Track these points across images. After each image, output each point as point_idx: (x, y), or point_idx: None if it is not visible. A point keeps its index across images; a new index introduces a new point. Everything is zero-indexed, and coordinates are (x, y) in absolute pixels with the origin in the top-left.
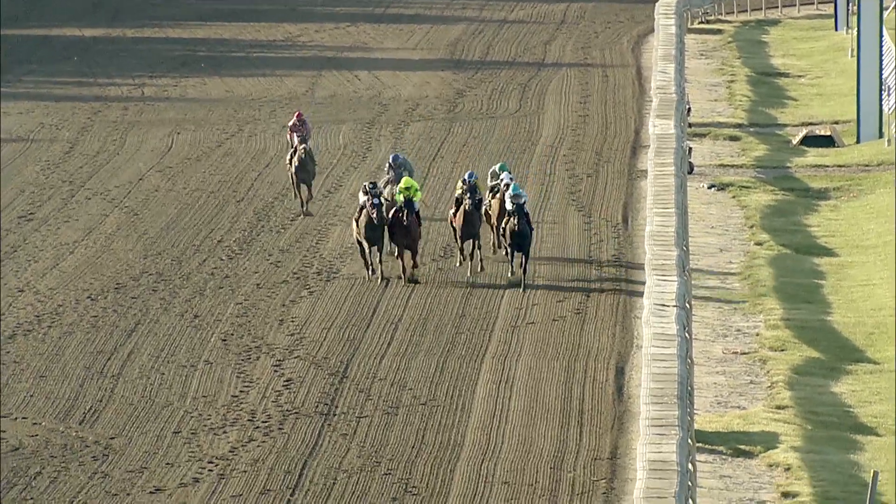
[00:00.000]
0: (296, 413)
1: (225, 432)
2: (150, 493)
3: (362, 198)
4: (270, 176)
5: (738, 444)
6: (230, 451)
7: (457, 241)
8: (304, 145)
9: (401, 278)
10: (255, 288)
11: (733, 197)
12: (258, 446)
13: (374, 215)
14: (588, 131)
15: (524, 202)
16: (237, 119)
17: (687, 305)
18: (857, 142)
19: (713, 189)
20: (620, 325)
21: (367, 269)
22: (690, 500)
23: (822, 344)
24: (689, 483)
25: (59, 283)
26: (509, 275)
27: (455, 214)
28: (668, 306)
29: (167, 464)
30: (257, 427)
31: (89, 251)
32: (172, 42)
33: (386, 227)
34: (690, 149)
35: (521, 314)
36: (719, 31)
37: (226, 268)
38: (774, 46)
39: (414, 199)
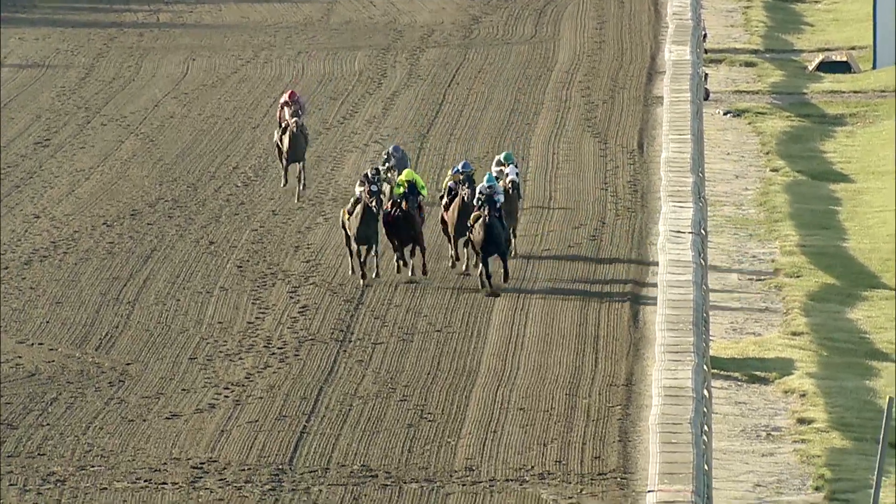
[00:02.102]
0: (311, 339)
1: (241, 358)
2: (166, 418)
3: (359, 189)
4: None
5: (753, 371)
6: (246, 378)
7: (449, 241)
8: (295, 119)
9: (410, 281)
10: (271, 214)
11: (749, 123)
12: (274, 372)
13: (373, 203)
14: (604, 57)
15: (497, 196)
16: (252, 45)
17: (703, 232)
18: (874, 67)
19: (729, 115)
20: (636, 252)
21: (358, 272)
22: (705, 427)
23: (837, 270)
24: (705, 409)
25: (74, 210)
26: (482, 287)
27: (447, 208)
28: (683, 233)
29: (183, 390)
30: (273, 353)
31: (105, 177)
32: None
33: (382, 222)
34: (706, 75)
35: (536, 241)
36: None
37: (241, 194)
38: None
39: (422, 192)
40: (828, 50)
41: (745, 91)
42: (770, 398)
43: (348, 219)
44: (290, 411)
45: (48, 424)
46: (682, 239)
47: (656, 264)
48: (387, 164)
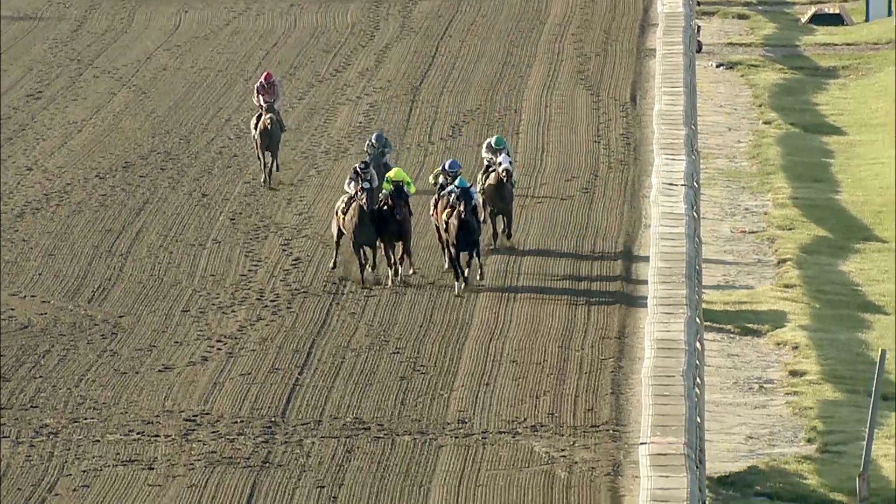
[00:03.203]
0: (304, 292)
1: (233, 311)
2: (159, 371)
3: (350, 186)
4: (278, 55)
5: (745, 323)
6: (239, 330)
7: (443, 250)
8: (270, 115)
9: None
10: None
11: (742, 76)
12: (266, 325)
13: (365, 202)
14: (597, 10)
15: (472, 189)
16: None
17: (695, 184)
18: (866, 20)
19: (721, 68)
20: (629, 205)
21: (361, 273)
22: (698, 379)
23: (829, 222)
24: (697, 362)
25: (67, 162)
26: (458, 287)
27: (436, 207)
28: (676, 185)
29: (176, 342)
30: (265, 306)
31: (97, 130)
32: None
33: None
34: (699, 27)
35: (529, 193)
36: None
37: (234, 147)
38: None
39: (409, 190)
40: (820, 2)
41: (737, 43)
42: (762, 351)
43: (343, 219)
44: (282, 364)
45: (41, 377)
46: (675, 191)
47: (649, 217)
48: (368, 154)
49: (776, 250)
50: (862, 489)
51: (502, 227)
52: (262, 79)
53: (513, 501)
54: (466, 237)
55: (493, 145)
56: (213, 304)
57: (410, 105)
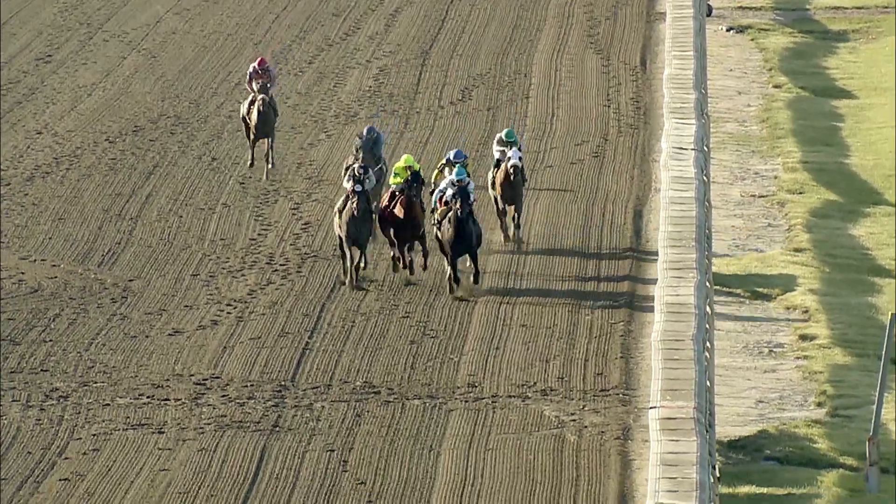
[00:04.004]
0: (314, 256)
1: (243, 275)
2: (169, 335)
3: (347, 184)
4: (288, 19)
5: (755, 287)
6: (248, 294)
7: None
8: (262, 95)
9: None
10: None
11: (752, 39)
12: (276, 289)
13: (356, 206)
14: None
15: (469, 186)
16: None
17: (705, 148)
18: None
19: (732, 32)
20: (639, 169)
21: (349, 276)
22: (708, 343)
23: (840, 186)
24: (707, 326)
25: (77, 126)
26: (450, 291)
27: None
28: (686, 149)
29: (186, 306)
30: (275, 270)
31: (107, 94)
32: None
33: (378, 217)
34: None
35: (539, 158)
36: None
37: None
38: None
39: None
40: None
41: (747, 7)
42: (772, 314)
43: (339, 217)
44: (292, 328)
45: (51, 340)
46: (685, 155)
47: (659, 181)
48: (356, 148)
49: (786, 214)
50: (872, 453)
51: (513, 218)
52: (254, 64)
53: (522, 465)
54: (463, 239)
55: (503, 139)
56: (223, 268)
57: (420, 69)
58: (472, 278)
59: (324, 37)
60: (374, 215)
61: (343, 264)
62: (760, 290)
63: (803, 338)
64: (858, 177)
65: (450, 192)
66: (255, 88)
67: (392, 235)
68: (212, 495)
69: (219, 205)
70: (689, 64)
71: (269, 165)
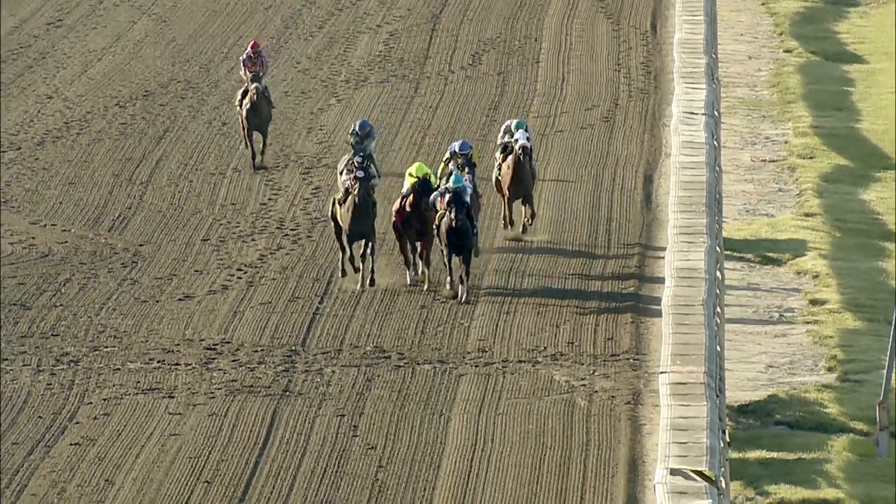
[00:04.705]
0: (324, 220)
1: (253, 240)
2: (179, 300)
3: (346, 177)
4: None
5: (766, 252)
6: (259, 259)
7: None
8: (256, 84)
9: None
10: (284, 96)
11: (762, 4)
12: (287, 254)
13: (357, 192)
14: None
15: (463, 190)
16: None
17: (716, 113)
18: None
19: None
20: (649, 133)
21: (344, 269)
22: (718, 308)
23: (850, 151)
24: (717, 291)
25: (87, 90)
26: (447, 287)
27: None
28: (696, 114)
29: (196, 271)
30: (286, 235)
31: (117, 58)
32: None
33: (394, 215)
34: None
35: (549, 122)
36: None
37: None
38: None
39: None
40: None
41: None
42: (783, 279)
43: (339, 210)
44: (302, 293)
45: (61, 305)
46: (695, 120)
47: (669, 145)
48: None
49: (797, 179)
50: (882, 418)
51: (523, 216)
52: (248, 49)
53: (533, 430)
54: (458, 242)
55: (511, 129)
56: (234, 233)
57: (430, 34)
58: (464, 287)
59: (334, 1)
60: (375, 208)
61: (342, 257)
62: (771, 254)
63: (813, 302)
64: (869, 141)
65: (447, 196)
66: (249, 77)
67: (400, 235)
68: (222, 460)
69: (229, 169)
70: (700, 28)
71: (260, 157)
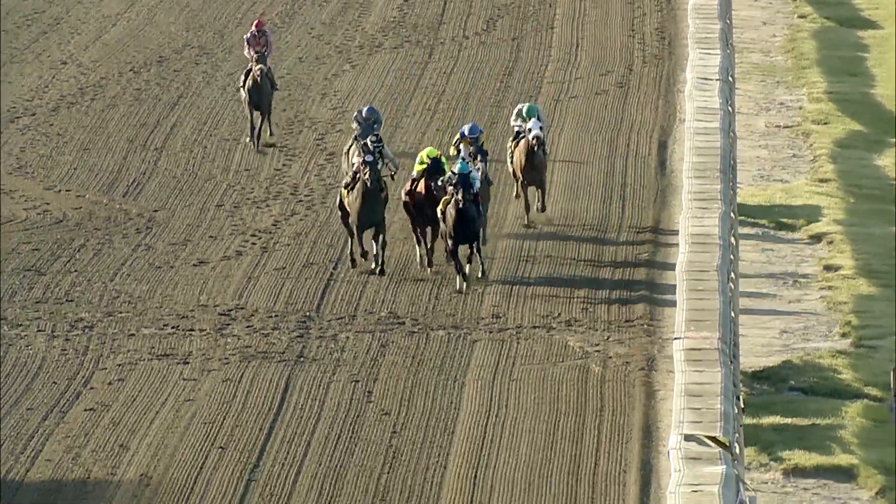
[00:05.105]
0: (338, 186)
1: (268, 206)
2: (194, 265)
3: (356, 159)
4: None
5: (780, 218)
6: (273, 225)
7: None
8: (260, 66)
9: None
10: (298, 62)
11: None
12: (301, 220)
13: (368, 176)
14: None
15: (472, 176)
16: None
17: (730, 79)
18: None
19: None
20: (663, 99)
21: (354, 259)
22: (732, 274)
23: (865, 117)
24: (732, 256)
25: (101, 56)
26: (458, 283)
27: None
28: (711, 79)
29: (210, 237)
30: (300, 200)
31: (132, 24)
32: None
33: (403, 199)
34: None
35: (563, 88)
36: None
37: None
38: None
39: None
40: None
41: None
42: (797, 245)
43: (347, 196)
44: (316, 258)
45: (76, 271)
46: (710, 86)
47: (683, 111)
48: (358, 125)
49: (811, 145)
50: None
51: (536, 200)
52: (252, 27)
53: (547, 396)
54: (464, 228)
55: (523, 114)
56: (248, 199)
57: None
58: (479, 272)
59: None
60: (386, 194)
61: (350, 244)
62: (785, 220)
63: (828, 268)
64: (883, 107)
65: (454, 179)
66: (253, 56)
67: (413, 216)
68: (237, 426)
69: (243, 135)
70: None
71: (255, 138)
